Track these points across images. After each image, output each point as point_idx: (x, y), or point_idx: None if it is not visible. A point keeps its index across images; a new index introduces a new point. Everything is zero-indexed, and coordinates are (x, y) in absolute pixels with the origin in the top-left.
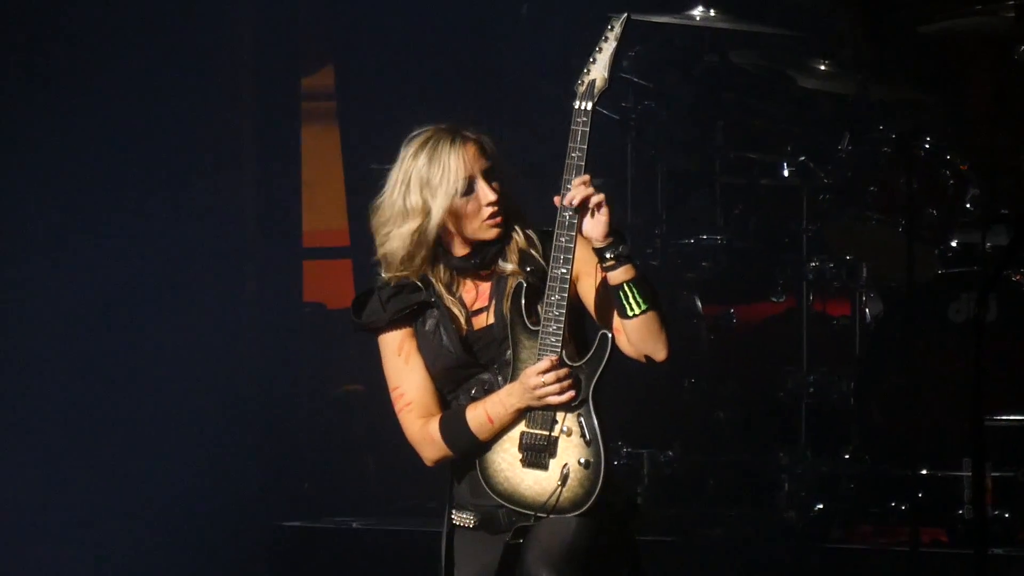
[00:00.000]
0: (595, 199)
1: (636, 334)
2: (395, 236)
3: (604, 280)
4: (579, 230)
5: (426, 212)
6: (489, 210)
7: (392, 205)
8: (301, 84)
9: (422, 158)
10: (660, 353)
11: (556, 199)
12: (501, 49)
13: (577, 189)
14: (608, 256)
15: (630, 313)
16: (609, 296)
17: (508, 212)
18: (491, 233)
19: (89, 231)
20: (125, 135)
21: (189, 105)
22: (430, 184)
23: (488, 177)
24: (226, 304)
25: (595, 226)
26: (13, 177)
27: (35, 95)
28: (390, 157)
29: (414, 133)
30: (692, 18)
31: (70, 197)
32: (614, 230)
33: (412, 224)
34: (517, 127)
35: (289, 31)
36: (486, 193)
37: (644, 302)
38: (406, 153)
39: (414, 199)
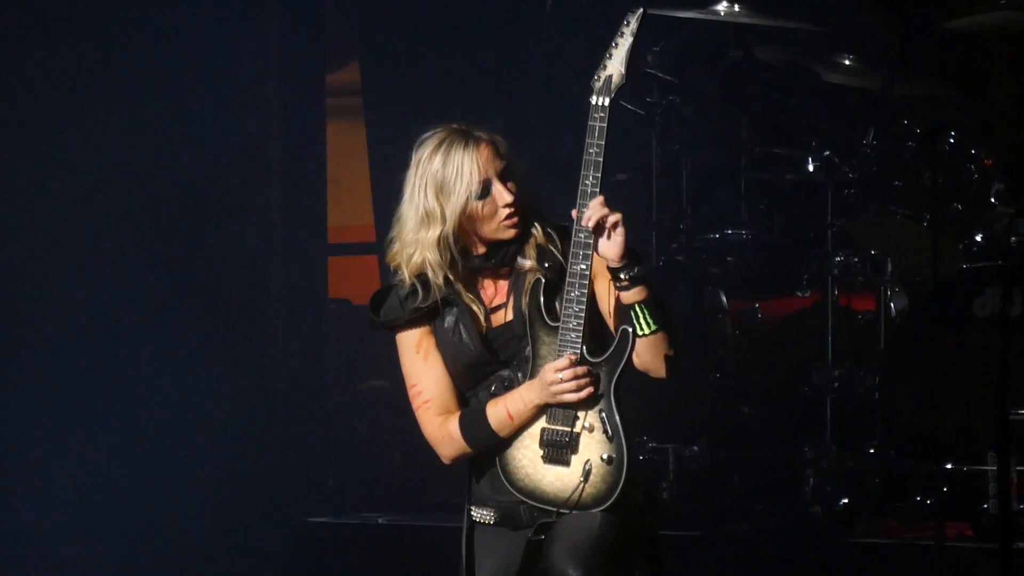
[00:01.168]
0: (611, 219)
1: (643, 352)
2: (424, 245)
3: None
4: (595, 249)
5: (444, 217)
6: (506, 211)
7: (412, 213)
8: (326, 80)
9: (436, 162)
10: (661, 372)
11: (573, 212)
12: (527, 44)
13: (593, 210)
14: (622, 277)
15: (639, 333)
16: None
17: (525, 210)
18: (509, 233)
19: (113, 228)
20: (148, 131)
21: (213, 101)
22: (444, 189)
23: (504, 178)
24: (252, 300)
25: (610, 247)
26: (35, 177)
27: (50, 91)
28: None
29: (425, 136)
30: (717, 13)
31: (89, 193)
32: (629, 250)
33: (435, 231)
34: (542, 123)
35: (314, 27)
36: (503, 195)
37: (654, 323)
38: (419, 157)
39: (431, 204)
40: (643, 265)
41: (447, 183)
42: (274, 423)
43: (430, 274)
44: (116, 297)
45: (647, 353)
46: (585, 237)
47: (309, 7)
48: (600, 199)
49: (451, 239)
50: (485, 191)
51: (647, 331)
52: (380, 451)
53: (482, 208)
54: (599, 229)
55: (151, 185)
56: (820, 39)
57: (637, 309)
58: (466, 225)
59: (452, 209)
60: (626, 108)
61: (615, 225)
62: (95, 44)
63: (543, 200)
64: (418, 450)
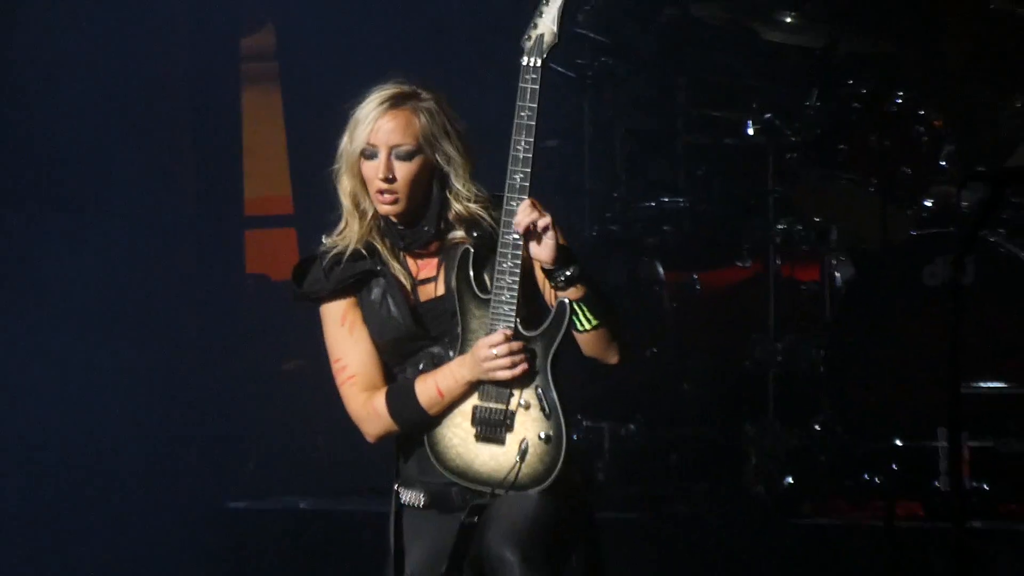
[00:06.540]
0: (541, 223)
1: (587, 345)
2: (343, 180)
3: None
4: (525, 251)
5: (344, 158)
6: (379, 185)
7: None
8: (240, 45)
9: (361, 106)
10: (611, 359)
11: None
12: (454, 3)
13: (522, 214)
14: (558, 279)
15: (580, 328)
16: None
17: (414, 197)
18: (384, 209)
19: (12, 204)
20: (51, 98)
21: (120, 66)
22: (351, 132)
23: (398, 155)
24: (164, 277)
25: (542, 251)
26: None
27: None
28: (335, 120)
29: (393, 80)
30: None
31: None
32: (562, 249)
33: (342, 171)
34: (470, 85)
35: None
36: (379, 170)
37: (595, 318)
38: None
39: (343, 143)
40: (578, 264)
41: (353, 127)
42: (191, 405)
43: (353, 213)
44: (14, 279)
45: (590, 347)
46: (517, 207)
47: None
48: (528, 202)
49: (358, 190)
50: (372, 155)
51: (587, 327)
52: (303, 433)
53: (363, 169)
54: (529, 233)
55: (48, 154)
56: None
57: (575, 307)
58: None
59: (348, 153)
60: (556, 70)
61: (545, 228)
62: None
63: (478, 166)
64: (343, 431)
